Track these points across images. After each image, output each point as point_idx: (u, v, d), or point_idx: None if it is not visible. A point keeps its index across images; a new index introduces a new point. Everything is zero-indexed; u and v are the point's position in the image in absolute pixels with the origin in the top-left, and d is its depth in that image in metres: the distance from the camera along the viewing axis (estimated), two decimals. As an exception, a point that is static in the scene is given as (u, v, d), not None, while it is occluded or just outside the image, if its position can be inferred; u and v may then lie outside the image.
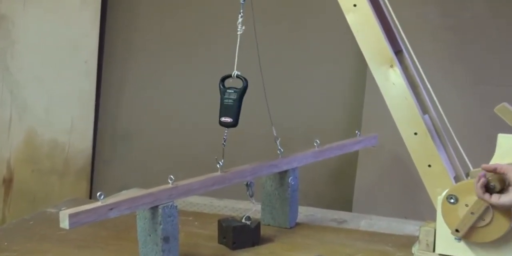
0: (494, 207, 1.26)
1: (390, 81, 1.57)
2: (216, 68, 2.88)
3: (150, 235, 1.51)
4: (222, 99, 1.62)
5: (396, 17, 1.61)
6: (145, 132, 3.11)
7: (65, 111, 3.08)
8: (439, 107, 1.63)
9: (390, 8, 1.62)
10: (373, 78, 1.60)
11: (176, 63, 3.04)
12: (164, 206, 1.51)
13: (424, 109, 1.63)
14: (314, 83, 2.82)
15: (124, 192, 2.26)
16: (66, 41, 3.05)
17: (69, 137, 3.08)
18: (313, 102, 2.83)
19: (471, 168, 1.56)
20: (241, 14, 1.61)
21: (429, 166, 1.56)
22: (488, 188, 1.23)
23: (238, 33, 1.61)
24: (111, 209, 1.41)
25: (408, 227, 1.91)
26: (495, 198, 1.22)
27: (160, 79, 3.08)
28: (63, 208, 1.53)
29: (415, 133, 1.57)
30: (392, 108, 1.59)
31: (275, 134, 1.77)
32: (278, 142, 1.79)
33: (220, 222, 1.75)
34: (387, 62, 1.56)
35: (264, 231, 1.79)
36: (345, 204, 2.69)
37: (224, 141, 1.64)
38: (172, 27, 3.05)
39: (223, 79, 1.64)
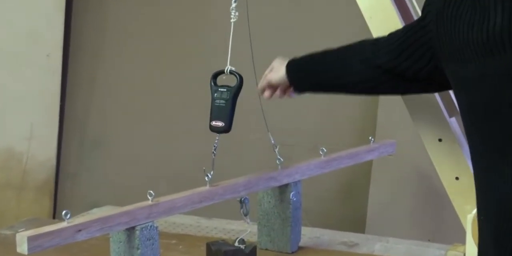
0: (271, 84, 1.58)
1: (410, 78, 1.56)
2: (204, 63, 2.89)
3: (125, 262, 1.51)
4: (213, 100, 1.62)
5: (416, 0, 1.62)
6: (119, 139, 3.10)
7: (23, 115, 3.07)
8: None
9: (410, -9, 1.63)
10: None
11: (156, 57, 3.04)
12: (142, 227, 1.50)
13: (450, 110, 1.63)
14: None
15: (94, 210, 2.25)
16: (25, 31, 3.05)
17: (28, 146, 3.07)
18: (318, 103, 2.83)
19: (506, 180, 1.56)
20: (235, -3, 1.61)
21: (457, 178, 1.56)
22: None
23: (232, 20, 1.61)
24: (79, 230, 1.40)
25: (432, 252, 1.91)
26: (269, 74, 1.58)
27: (138, 76, 3.07)
28: (21, 230, 1.52)
29: (440, 140, 1.57)
30: (412, 109, 1.59)
31: (273, 141, 1.77)
32: (277, 150, 1.79)
33: (209, 246, 1.74)
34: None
35: (261, 256, 1.79)
36: (357, 224, 2.69)
37: (215, 149, 1.64)
38: (151, 14, 3.04)
39: (215, 76, 1.64)
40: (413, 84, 1.33)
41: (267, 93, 1.62)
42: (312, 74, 1.50)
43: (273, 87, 1.61)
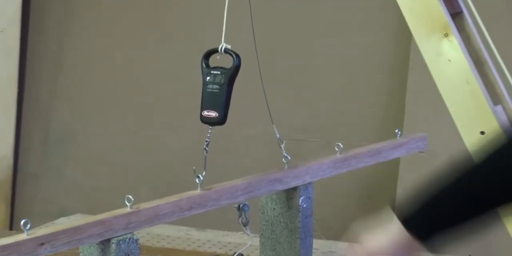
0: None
1: (444, 57, 1.57)
2: (193, 40, 2.89)
3: (99, 282, 1.51)
4: (204, 85, 1.62)
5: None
6: (91, 133, 3.10)
7: (-27, 104, 3.07)
8: (517, 94, 1.64)
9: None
10: (419, 54, 1.60)
11: (135, 33, 3.04)
12: (119, 240, 1.50)
13: (495, 97, 1.63)
14: (334, 61, 2.82)
15: (61, 219, 2.25)
16: (-25, 2, 3.05)
17: (-20, 142, 3.07)
18: (333, 89, 2.83)
19: None
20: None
21: (503, 180, 1.56)
22: None
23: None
24: (42, 244, 1.40)
25: (473, 269, 1.91)
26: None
27: (113, 56, 3.07)
28: (-28, 244, 1.52)
29: (482, 133, 1.56)
30: (448, 97, 1.58)
31: (278, 136, 1.77)
32: (283, 146, 1.79)
33: (200, 263, 1.75)
34: (440, 30, 1.56)
35: (264, 275, 1.79)
36: (381, 236, 2.70)
37: (207, 145, 1.64)
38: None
39: (207, 56, 1.64)
40: None
41: None
42: (441, 218, 1.27)
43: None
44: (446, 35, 1.56)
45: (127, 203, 1.54)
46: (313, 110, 2.85)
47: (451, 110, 1.60)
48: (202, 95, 1.62)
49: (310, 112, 2.85)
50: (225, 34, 1.62)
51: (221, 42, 1.63)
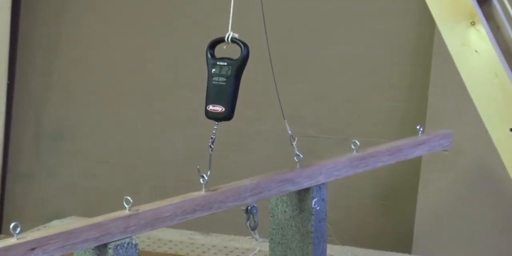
0: None
1: (471, 48, 1.56)
2: (198, 28, 2.89)
3: (95, 290, 1.51)
4: (210, 77, 1.62)
5: None
6: (88, 130, 3.10)
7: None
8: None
9: None
10: (443, 44, 1.59)
11: (137, 19, 3.03)
12: (117, 245, 1.51)
13: (525, 92, 1.62)
14: (352, 52, 2.82)
15: (54, 222, 2.26)
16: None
17: (-32, 138, 3.08)
18: (350, 82, 2.83)
19: None
20: None
21: (535, 180, 1.56)
22: None
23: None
24: (33, 249, 1.40)
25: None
26: None
27: (112, 44, 3.07)
28: (-41, 248, 1.53)
29: (512, 129, 1.56)
30: (474, 91, 1.58)
31: (290, 132, 1.77)
32: (295, 143, 1.79)
33: (204, 270, 1.75)
34: (467, 18, 1.55)
35: (274, 283, 1.79)
36: (401, 241, 2.69)
37: (212, 143, 1.64)
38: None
39: (212, 45, 1.64)
40: None
41: None
42: None
43: None
44: (473, 23, 1.56)
45: (125, 205, 1.55)
46: (328, 104, 2.85)
47: (478, 105, 1.59)
48: (207, 88, 1.62)
49: (325, 107, 2.85)
50: (232, 22, 1.62)
51: (227, 31, 1.63)
